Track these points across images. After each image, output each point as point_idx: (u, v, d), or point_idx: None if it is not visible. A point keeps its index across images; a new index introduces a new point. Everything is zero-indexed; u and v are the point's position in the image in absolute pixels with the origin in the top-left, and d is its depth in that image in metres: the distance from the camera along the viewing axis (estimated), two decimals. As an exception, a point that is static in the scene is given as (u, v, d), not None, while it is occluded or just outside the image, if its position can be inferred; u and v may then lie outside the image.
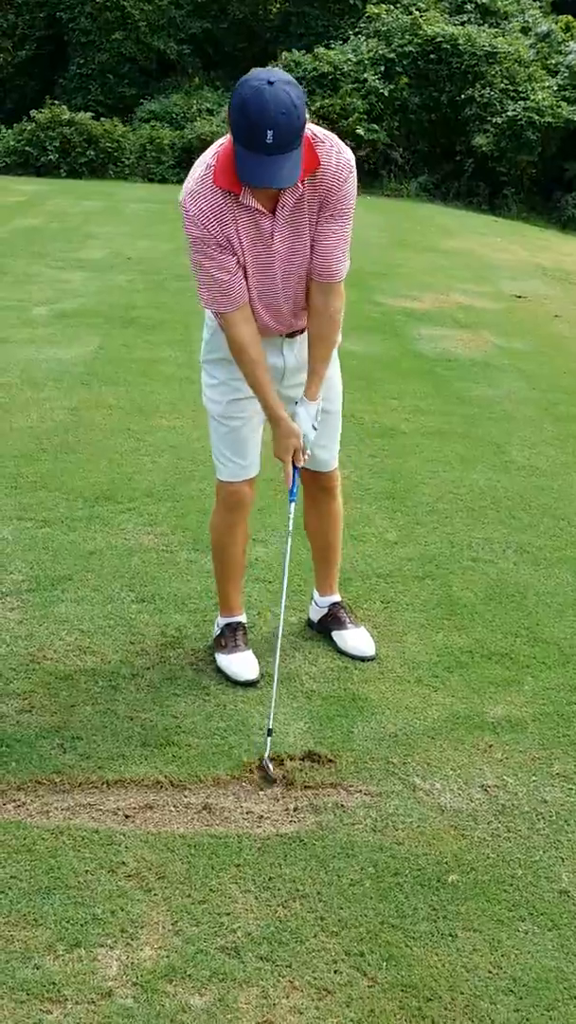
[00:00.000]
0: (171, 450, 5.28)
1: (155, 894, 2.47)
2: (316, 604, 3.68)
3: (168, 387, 6.32)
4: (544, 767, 3.00)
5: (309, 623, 3.70)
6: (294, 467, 3.14)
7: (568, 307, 9.50)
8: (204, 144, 18.11)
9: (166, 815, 2.74)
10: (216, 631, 3.49)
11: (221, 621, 3.48)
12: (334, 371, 3.27)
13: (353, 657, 3.50)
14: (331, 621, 3.61)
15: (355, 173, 2.84)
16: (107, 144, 17.68)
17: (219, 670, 3.36)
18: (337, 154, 2.77)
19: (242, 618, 3.49)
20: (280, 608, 3.24)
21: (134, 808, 2.76)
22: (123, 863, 2.56)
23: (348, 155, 2.80)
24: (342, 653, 3.52)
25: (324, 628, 3.63)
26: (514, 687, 3.39)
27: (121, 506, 4.58)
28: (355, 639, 3.55)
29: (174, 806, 2.78)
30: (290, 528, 3.21)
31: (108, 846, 2.61)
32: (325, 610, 3.64)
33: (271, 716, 3.02)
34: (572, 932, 2.43)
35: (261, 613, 3.72)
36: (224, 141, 2.76)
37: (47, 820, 2.70)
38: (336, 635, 3.57)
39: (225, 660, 3.37)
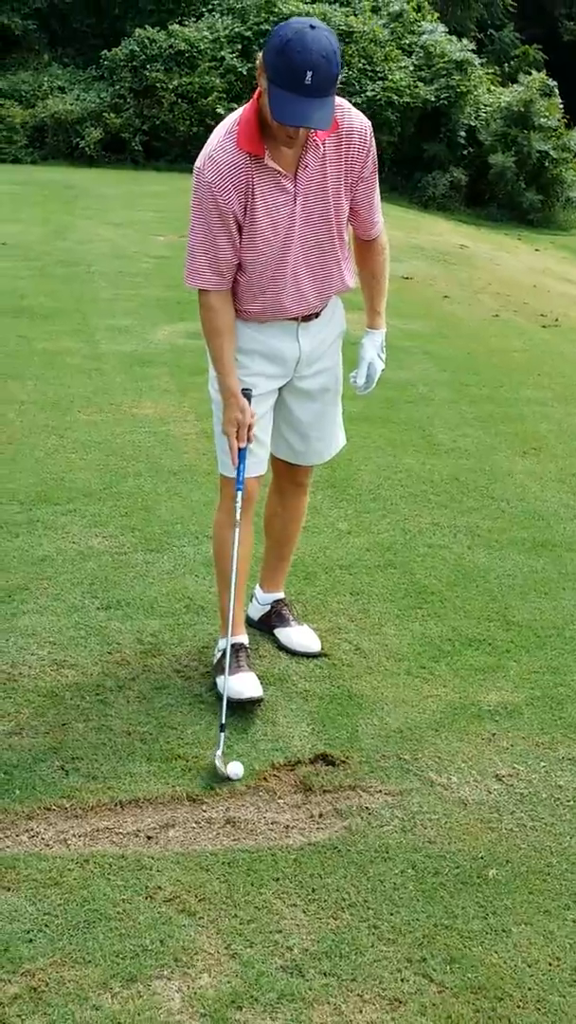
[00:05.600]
0: (97, 446, 5.11)
1: (200, 917, 2.39)
2: (258, 601, 3.59)
3: (78, 380, 6.12)
4: (550, 752, 3.04)
5: (248, 621, 3.54)
6: (241, 450, 3.01)
7: (454, 287, 9.67)
8: (58, 123, 17.65)
9: (190, 833, 2.65)
10: (216, 655, 3.25)
11: (221, 643, 3.22)
12: (337, 353, 3.22)
13: (297, 654, 3.43)
14: (275, 618, 3.54)
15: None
16: (-45, 123, 16.96)
17: (220, 697, 3.04)
18: (358, 116, 2.83)
19: (242, 639, 3.25)
20: (229, 610, 3.09)
21: (154, 828, 2.65)
22: (159, 888, 2.45)
23: (362, 115, 2.87)
24: (286, 650, 3.45)
25: (267, 626, 3.55)
26: (500, 673, 3.42)
27: (60, 507, 4.40)
28: (300, 635, 3.48)
29: (195, 822, 2.68)
30: (237, 517, 3.06)
31: (139, 871, 2.50)
32: (268, 607, 3.56)
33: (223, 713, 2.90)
34: (618, 916, 2.47)
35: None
36: (241, 111, 2.76)
37: (67, 849, 2.56)
38: (280, 632, 3.50)
39: (223, 681, 3.05)
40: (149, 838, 2.62)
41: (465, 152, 17.83)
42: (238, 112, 2.81)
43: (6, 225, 10.94)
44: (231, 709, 2.99)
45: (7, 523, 4.22)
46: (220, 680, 3.14)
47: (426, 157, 17.64)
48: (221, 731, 2.90)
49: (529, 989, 2.26)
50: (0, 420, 5.37)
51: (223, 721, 2.90)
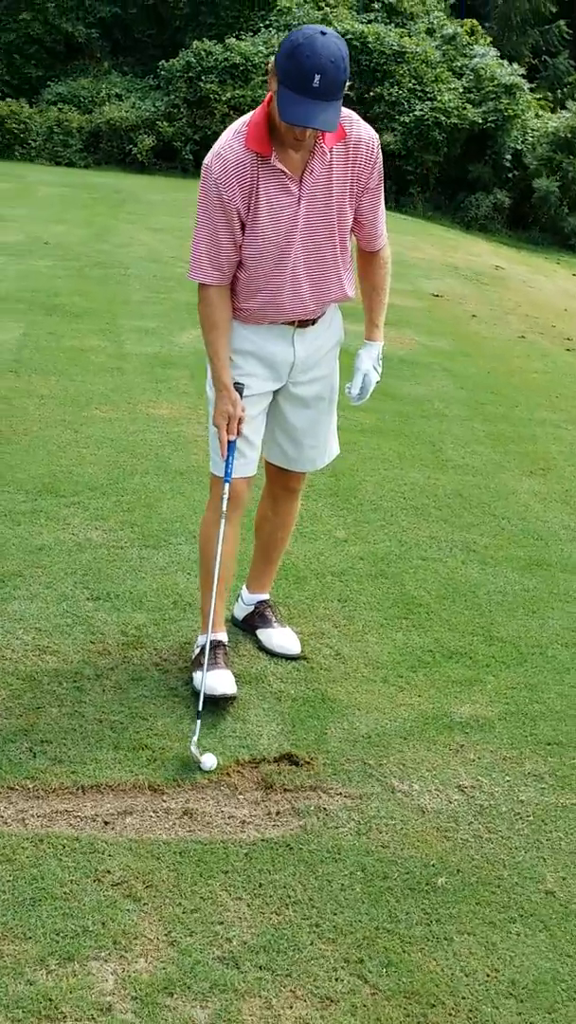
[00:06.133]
0: (109, 443, 5.17)
1: (145, 904, 2.41)
2: (243, 601, 3.62)
3: (100, 378, 6.19)
4: (516, 767, 3.04)
5: (232, 620, 3.61)
6: (230, 443, 3.06)
7: (483, 307, 9.66)
8: (113, 129, 17.90)
9: (147, 821, 2.68)
10: (195, 651, 3.29)
11: (200, 640, 3.27)
12: (334, 361, 3.27)
13: (277, 655, 3.45)
14: (257, 619, 3.57)
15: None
16: (13, 125, 17.25)
17: (195, 692, 3.10)
18: (367, 128, 2.90)
19: (222, 636, 3.28)
20: (210, 608, 3.14)
21: (112, 814, 2.69)
22: (108, 872, 2.49)
23: (370, 128, 2.94)
24: (267, 651, 3.47)
25: (249, 626, 3.58)
26: (477, 687, 3.42)
27: (65, 500, 4.46)
28: (281, 637, 3.50)
29: (154, 811, 2.71)
30: (224, 509, 3.09)
31: (91, 854, 2.53)
32: (252, 607, 3.59)
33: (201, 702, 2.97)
34: (563, 933, 2.46)
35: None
36: (252, 114, 2.84)
37: (24, 828, 2.60)
38: (261, 633, 3.53)
39: (199, 676, 3.11)
40: (106, 823, 2.65)
41: (510, 175, 17.84)
42: (250, 114, 2.88)
43: (51, 225, 11.09)
44: (204, 705, 3.02)
45: (11, 511, 4.29)
46: (196, 676, 3.18)
47: (470, 178, 17.65)
48: (198, 719, 2.94)
49: (463, 998, 2.26)
50: (19, 412, 5.45)
51: (200, 709, 2.95)
